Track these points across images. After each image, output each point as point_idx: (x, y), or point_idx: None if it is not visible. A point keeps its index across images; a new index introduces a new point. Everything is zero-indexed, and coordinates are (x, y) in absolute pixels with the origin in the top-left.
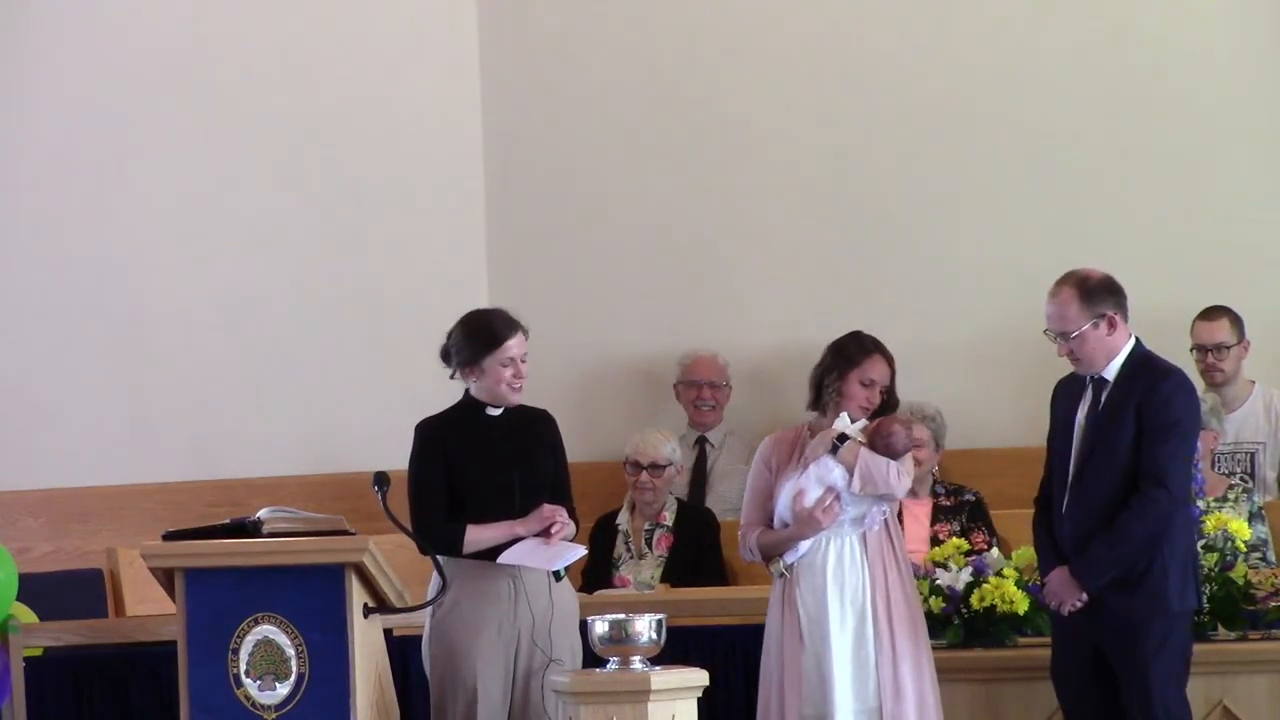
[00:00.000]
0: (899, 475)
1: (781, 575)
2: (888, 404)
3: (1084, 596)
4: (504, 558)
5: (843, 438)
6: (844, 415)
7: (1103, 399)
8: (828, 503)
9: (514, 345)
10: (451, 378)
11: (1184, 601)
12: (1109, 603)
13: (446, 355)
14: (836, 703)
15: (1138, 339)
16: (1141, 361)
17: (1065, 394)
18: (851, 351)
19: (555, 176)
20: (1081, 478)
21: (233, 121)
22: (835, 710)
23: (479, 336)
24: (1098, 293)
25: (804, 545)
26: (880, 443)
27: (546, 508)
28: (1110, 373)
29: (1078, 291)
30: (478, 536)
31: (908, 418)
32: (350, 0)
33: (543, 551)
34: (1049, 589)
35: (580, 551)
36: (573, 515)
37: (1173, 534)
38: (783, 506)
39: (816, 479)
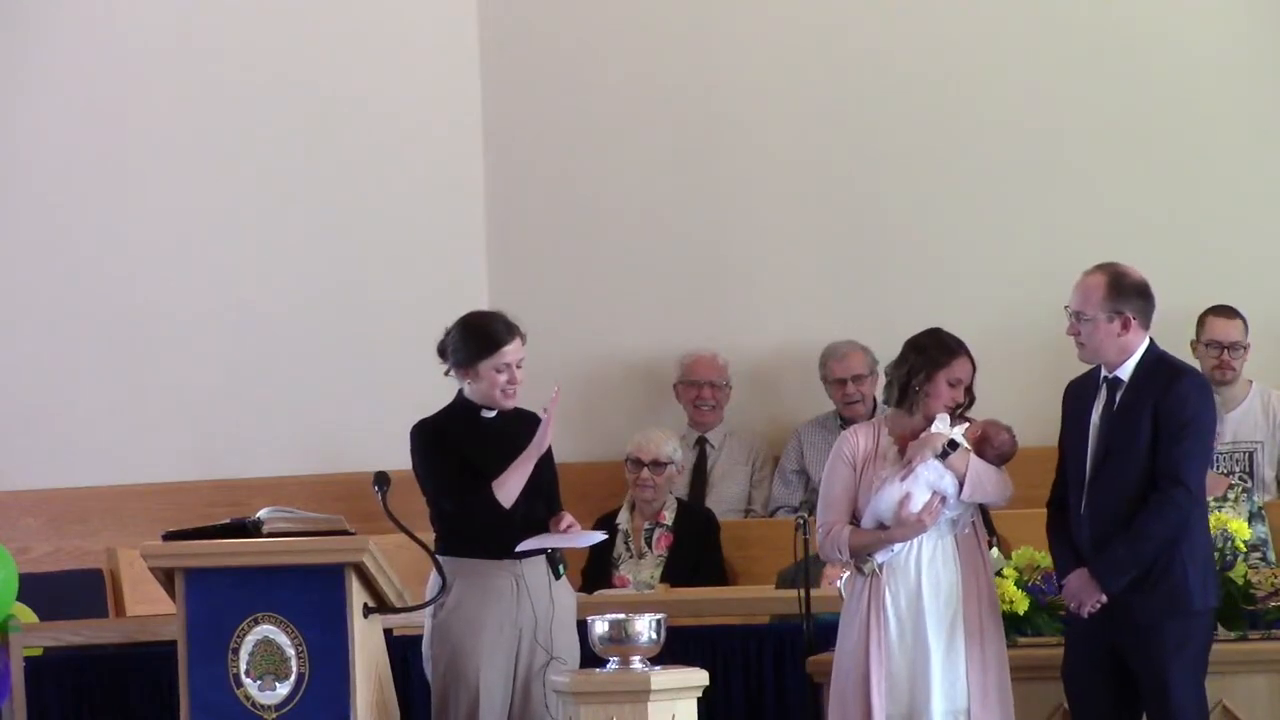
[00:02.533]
0: (1006, 483)
1: (872, 574)
2: (966, 402)
3: (1103, 597)
4: (525, 547)
5: (953, 444)
6: (943, 418)
7: (1117, 399)
8: (934, 506)
9: (510, 351)
10: (446, 374)
11: (1205, 600)
12: (1128, 603)
13: (443, 351)
14: (933, 704)
15: (1152, 340)
16: (1156, 361)
17: (1077, 394)
18: (935, 353)
19: (555, 177)
20: (1098, 478)
21: (233, 122)
22: (931, 712)
23: (476, 340)
24: (1125, 291)
25: (899, 545)
26: (991, 451)
27: (564, 514)
28: (1124, 372)
29: (1108, 281)
30: (507, 489)
31: (1005, 422)
32: (351, 0)
33: (563, 537)
34: (1068, 590)
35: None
36: None
37: (1192, 533)
38: (885, 509)
39: (926, 484)
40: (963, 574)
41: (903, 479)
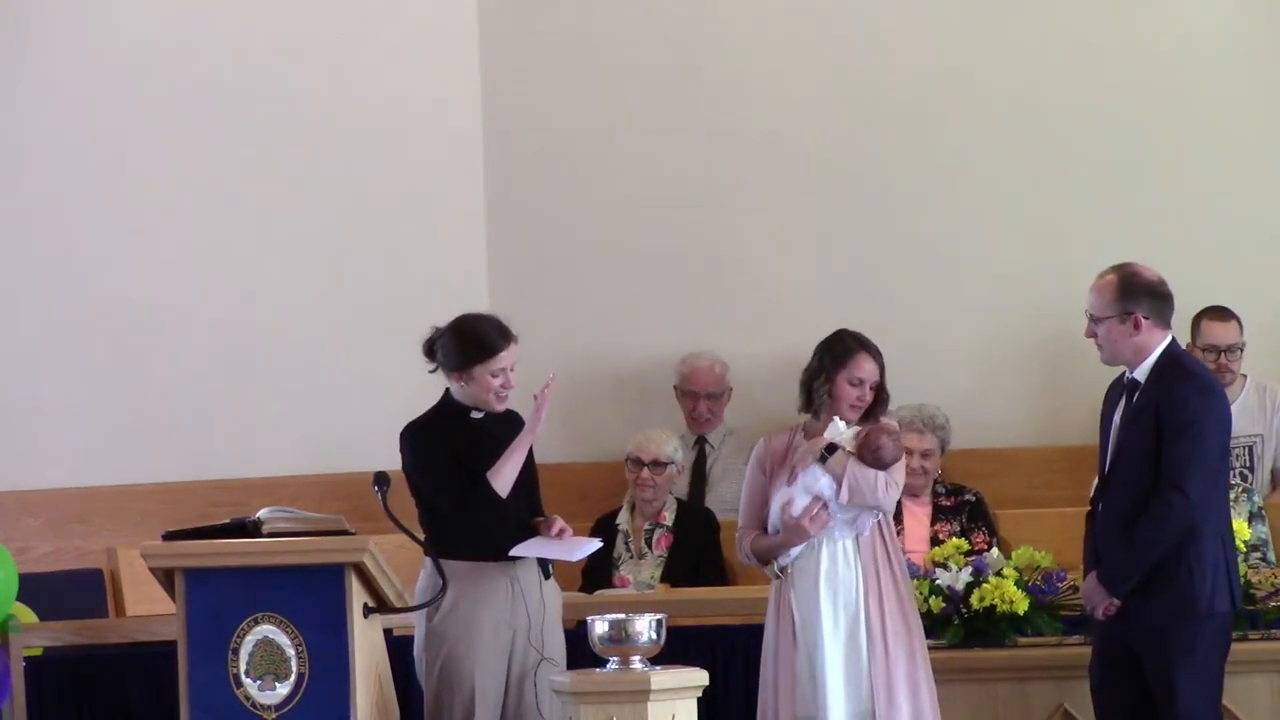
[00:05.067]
0: (887, 487)
1: (776, 578)
2: (879, 400)
3: (1115, 601)
4: (520, 550)
5: (831, 447)
6: (836, 421)
7: (1134, 400)
8: (814, 511)
9: (506, 356)
10: (431, 372)
11: (1214, 605)
12: (1136, 607)
13: (431, 352)
14: (829, 705)
15: (1174, 340)
16: (1168, 364)
17: (1110, 395)
18: (838, 351)
19: (555, 177)
20: (1112, 480)
21: (232, 122)
22: (828, 713)
23: (471, 344)
24: (1135, 291)
25: (796, 549)
26: (868, 455)
27: (555, 518)
28: (1141, 374)
29: (1119, 282)
30: (503, 477)
31: (895, 426)
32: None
33: (559, 545)
34: (1083, 593)
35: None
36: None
37: (1200, 536)
38: (773, 514)
39: (803, 488)
40: (864, 576)
41: (788, 483)
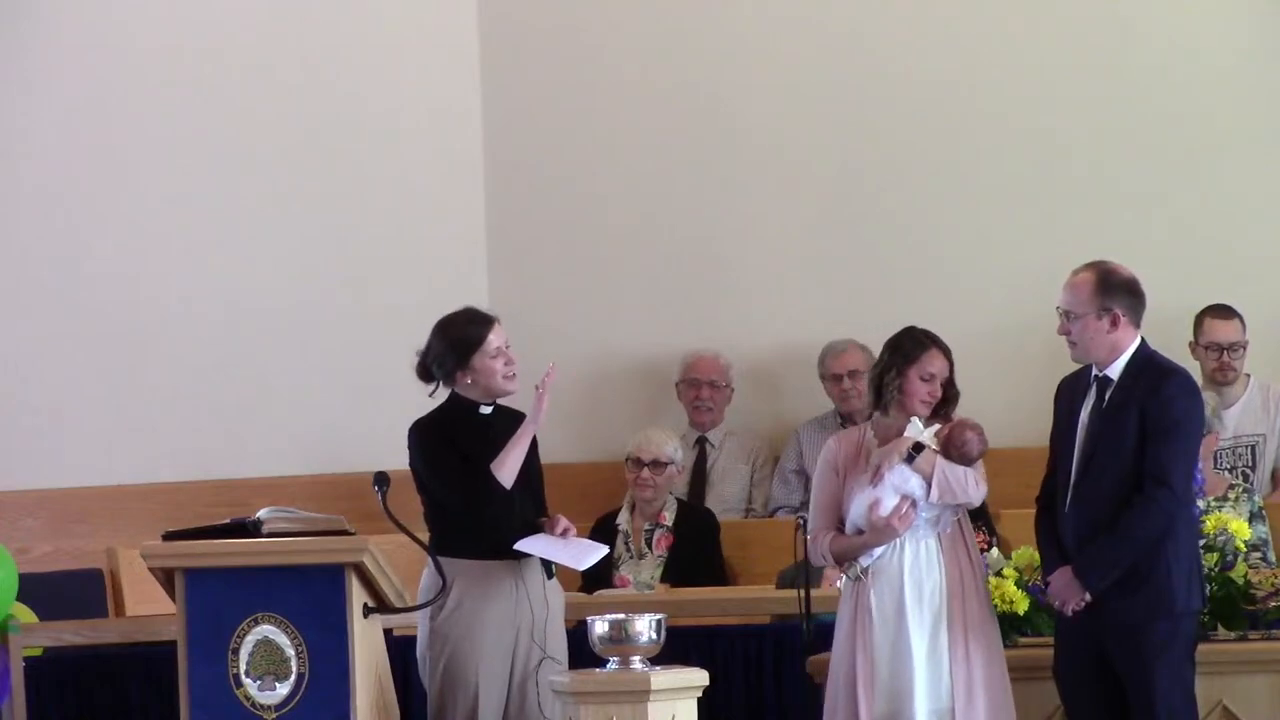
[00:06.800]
0: (976, 482)
1: (857, 579)
2: (948, 397)
3: (1087, 596)
4: (525, 546)
5: (918, 446)
6: (915, 421)
7: (1106, 398)
8: (904, 510)
9: (495, 337)
10: (431, 394)
11: (1189, 602)
12: (1112, 604)
13: (426, 371)
14: (916, 703)
15: (1143, 339)
16: (1145, 361)
17: (1069, 392)
18: (908, 348)
19: (555, 176)
20: (1084, 477)
21: (233, 121)
22: (913, 711)
23: (460, 339)
24: (1114, 288)
25: (879, 550)
26: (955, 451)
27: (559, 517)
28: (1114, 372)
29: (1096, 278)
30: (506, 468)
31: (976, 422)
32: (351, 0)
33: (566, 548)
34: (1052, 589)
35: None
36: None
37: (1177, 534)
38: (857, 515)
39: (893, 488)
40: (947, 574)
41: (872, 485)
